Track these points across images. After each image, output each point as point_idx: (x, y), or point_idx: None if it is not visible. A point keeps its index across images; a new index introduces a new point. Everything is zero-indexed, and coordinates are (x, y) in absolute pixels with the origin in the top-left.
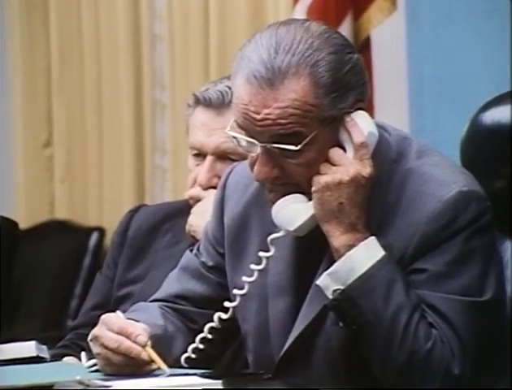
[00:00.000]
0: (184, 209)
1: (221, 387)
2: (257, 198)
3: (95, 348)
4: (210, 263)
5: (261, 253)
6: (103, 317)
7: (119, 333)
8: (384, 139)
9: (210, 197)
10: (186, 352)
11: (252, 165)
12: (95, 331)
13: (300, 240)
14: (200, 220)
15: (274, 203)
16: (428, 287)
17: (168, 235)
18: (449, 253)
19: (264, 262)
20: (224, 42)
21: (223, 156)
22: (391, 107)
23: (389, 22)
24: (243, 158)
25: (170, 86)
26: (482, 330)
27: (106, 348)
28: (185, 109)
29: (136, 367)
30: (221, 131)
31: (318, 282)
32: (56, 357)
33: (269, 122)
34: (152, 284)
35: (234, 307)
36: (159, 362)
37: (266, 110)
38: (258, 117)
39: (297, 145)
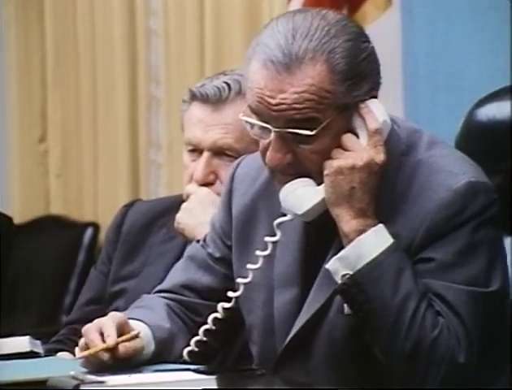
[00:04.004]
0: (178, 204)
1: (216, 388)
2: (265, 190)
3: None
4: (217, 255)
5: (266, 238)
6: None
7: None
8: (394, 131)
9: (198, 194)
10: (189, 346)
11: (264, 151)
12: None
13: (307, 229)
14: (187, 218)
15: None
16: (435, 276)
17: (163, 230)
18: (457, 243)
19: (270, 247)
20: (219, 37)
21: (220, 152)
22: (386, 103)
23: (384, 18)
24: (239, 154)
25: (165, 81)
26: (487, 320)
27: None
28: (180, 104)
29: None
30: (218, 127)
31: (327, 266)
32: (50, 353)
33: (284, 107)
34: (147, 280)
35: (239, 298)
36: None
37: (282, 95)
38: (274, 101)
39: (311, 131)
